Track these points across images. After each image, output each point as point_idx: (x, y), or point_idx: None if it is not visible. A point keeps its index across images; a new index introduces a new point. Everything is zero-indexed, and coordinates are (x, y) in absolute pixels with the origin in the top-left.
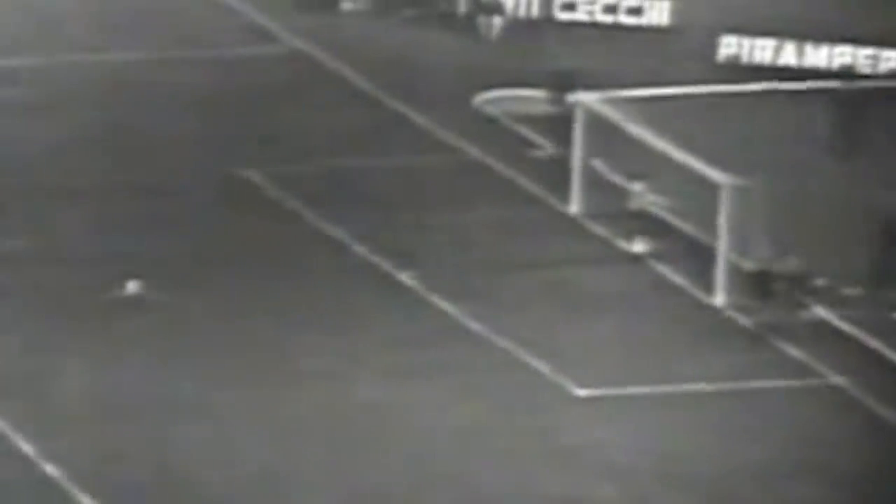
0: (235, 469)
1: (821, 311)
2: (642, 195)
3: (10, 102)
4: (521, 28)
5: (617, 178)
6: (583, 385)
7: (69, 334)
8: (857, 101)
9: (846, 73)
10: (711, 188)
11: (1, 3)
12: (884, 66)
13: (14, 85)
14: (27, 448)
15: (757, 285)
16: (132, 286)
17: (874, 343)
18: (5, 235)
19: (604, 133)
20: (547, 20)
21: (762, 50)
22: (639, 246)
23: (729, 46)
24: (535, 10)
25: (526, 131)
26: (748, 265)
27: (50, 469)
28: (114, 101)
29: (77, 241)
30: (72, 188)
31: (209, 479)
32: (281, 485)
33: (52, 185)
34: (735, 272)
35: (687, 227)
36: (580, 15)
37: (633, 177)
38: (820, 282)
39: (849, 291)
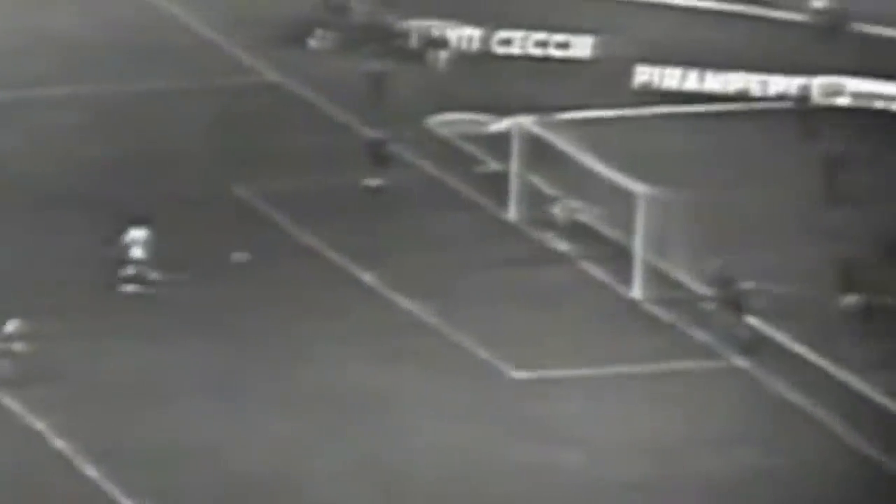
0: (231, 439)
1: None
2: (571, 204)
3: (55, 125)
4: (465, 60)
5: (549, 189)
6: (520, 368)
7: (82, 323)
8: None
9: (741, 96)
10: (629, 197)
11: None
12: (773, 90)
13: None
14: (40, 425)
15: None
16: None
17: (771, 330)
18: (32, 233)
19: (537, 150)
20: (486, 53)
21: (671, 77)
22: (568, 248)
23: (643, 75)
24: (476, 45)
25: (472, 149)
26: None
27: (61, 444)
28: (119, 127)
29: (93, 237)
30: (90, 197)
31: (210, 450)
32: (283, 458)
33: (81, 194)
34: (650, 270)
35: (609, 232)
36: (515, 49)
37: (563, 188)
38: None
39: (748, 286)
